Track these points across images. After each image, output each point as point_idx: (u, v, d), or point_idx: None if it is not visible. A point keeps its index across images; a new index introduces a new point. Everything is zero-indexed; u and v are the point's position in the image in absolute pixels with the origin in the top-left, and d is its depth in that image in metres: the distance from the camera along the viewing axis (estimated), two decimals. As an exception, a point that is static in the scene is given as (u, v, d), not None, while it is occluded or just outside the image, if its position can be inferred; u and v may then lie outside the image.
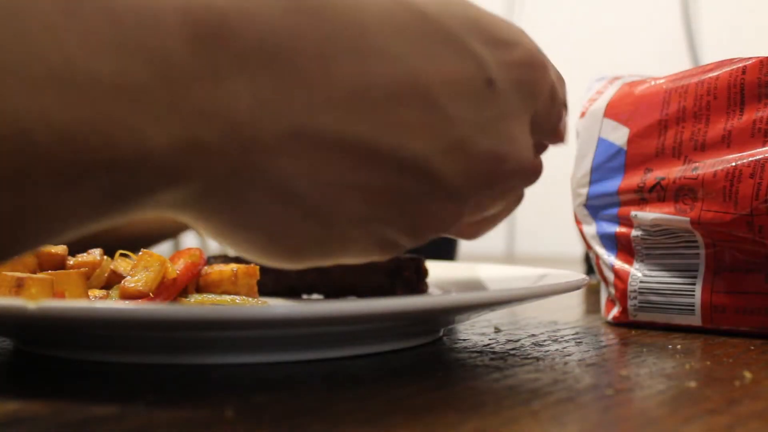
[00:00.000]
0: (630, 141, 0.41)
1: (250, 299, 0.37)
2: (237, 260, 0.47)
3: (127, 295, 0.34)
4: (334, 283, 0.45)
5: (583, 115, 0.44)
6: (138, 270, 0.34)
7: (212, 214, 0.24)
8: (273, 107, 0.22)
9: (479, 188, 0.28)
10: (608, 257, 0.42)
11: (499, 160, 0.27)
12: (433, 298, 0.28)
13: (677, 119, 0.39)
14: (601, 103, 0.43)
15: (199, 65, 0.21)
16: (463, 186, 0.27)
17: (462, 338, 0.36)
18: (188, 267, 0.36)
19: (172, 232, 0.71)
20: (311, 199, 0.24)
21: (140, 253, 0.35)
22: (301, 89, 0.23)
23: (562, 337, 0.36)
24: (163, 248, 1.55)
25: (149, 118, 0.20)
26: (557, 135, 0.32)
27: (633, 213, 0.40)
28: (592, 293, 0.56)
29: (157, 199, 0.22)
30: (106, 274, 0.36)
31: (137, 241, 0.63)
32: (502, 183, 0.28)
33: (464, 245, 0.74)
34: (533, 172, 0.30)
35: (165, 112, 0.20)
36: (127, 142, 0.20)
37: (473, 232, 0.35)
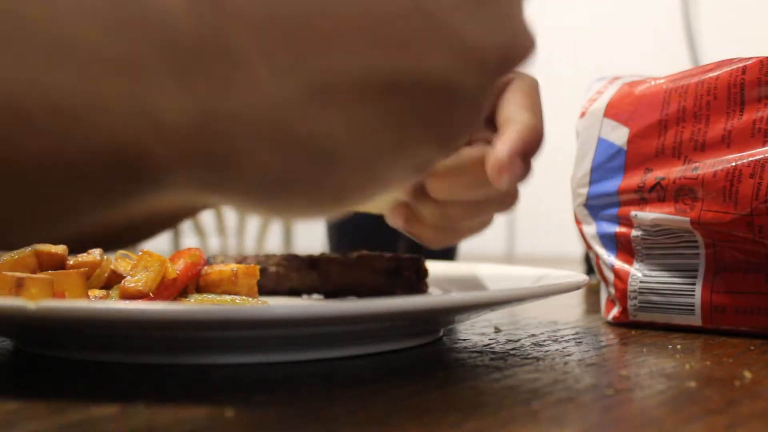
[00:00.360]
0: (630, 141, 0.41)
1: (250, 299, 0.37)
2: (237, 260, 0.47)
3: (127, 295, 0.34)
4: (334, 284, 0.45)
5: (583, 115, 0.44)
6: (138, 270, 0.34)
7: (244, 191, 0.24)
8: (293, 70, 0.22)
9: (493, 82, 0.28)
10: (608, 257, 0.42)
11: (506, 52, 0.27)
12: (433, 298, 0.28)
13: (677, 119, 0.39)
14: (601, 103, 0.42)
15: (208, 37, 0.21)
16: (478, 86, 0.27)
17: (462, 338, 0.36)
18: (188, 267, 0.36)
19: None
20: (347, 148, 0.24)
21: (140, 253, 0.35)
22: (317, 45, 0.23)
23: (562, 337, 0.36)
24: (163, 248, 1.56)
25: (157, 92, 0.20)
26: None
27: (633, 213, 0.40)
28: (592, 293, 0.56)
29: (176, 181, 0.21)
30: (106, 274, 0.36)
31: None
32: (511, 70, 0.29)
33: (464, 245, 0.74)
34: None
35: (174, 85, 0.20)
36: (134, 118, 0.19)
37: (438, 241, 0.35)
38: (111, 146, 0.19)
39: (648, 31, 1.78)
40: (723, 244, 0.37)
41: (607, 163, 0.42)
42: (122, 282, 0.34)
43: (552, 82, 1.97)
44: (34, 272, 0.34)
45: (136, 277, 0.34)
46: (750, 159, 0.36)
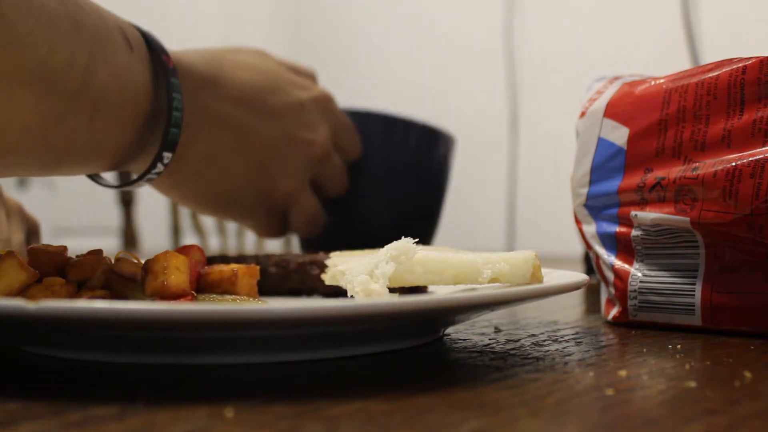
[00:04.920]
0: (630, 141, 0.41)
1: (250, 299, 0.37)
2: (237, 260, 0.47)
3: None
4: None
5: (583, 115, 0.44)
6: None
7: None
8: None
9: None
10: (608, 257, 0.42)
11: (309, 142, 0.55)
12: (433, 298, 0.28)
13: (677, 119, 0.39)
14: (601, 103, 0.42)
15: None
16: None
17: (462, 338, 0.36)
18: (191, 266, 0.36)
19: None
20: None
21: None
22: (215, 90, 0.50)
23: (562, 337, 0.37)
24: (163, 247, 1.55)
25: None
26: None
27: (633, 213, 0.40)
28: (592, 293, 0.56)
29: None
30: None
31: None
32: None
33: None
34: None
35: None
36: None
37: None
38: None
39: (648, 31, 1.78)
40: (723, 244, 0.37)
41: (607, 163, 0.42)
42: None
43: (552, 82, 1.97)
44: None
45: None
46: (750, 159, 0.36)
